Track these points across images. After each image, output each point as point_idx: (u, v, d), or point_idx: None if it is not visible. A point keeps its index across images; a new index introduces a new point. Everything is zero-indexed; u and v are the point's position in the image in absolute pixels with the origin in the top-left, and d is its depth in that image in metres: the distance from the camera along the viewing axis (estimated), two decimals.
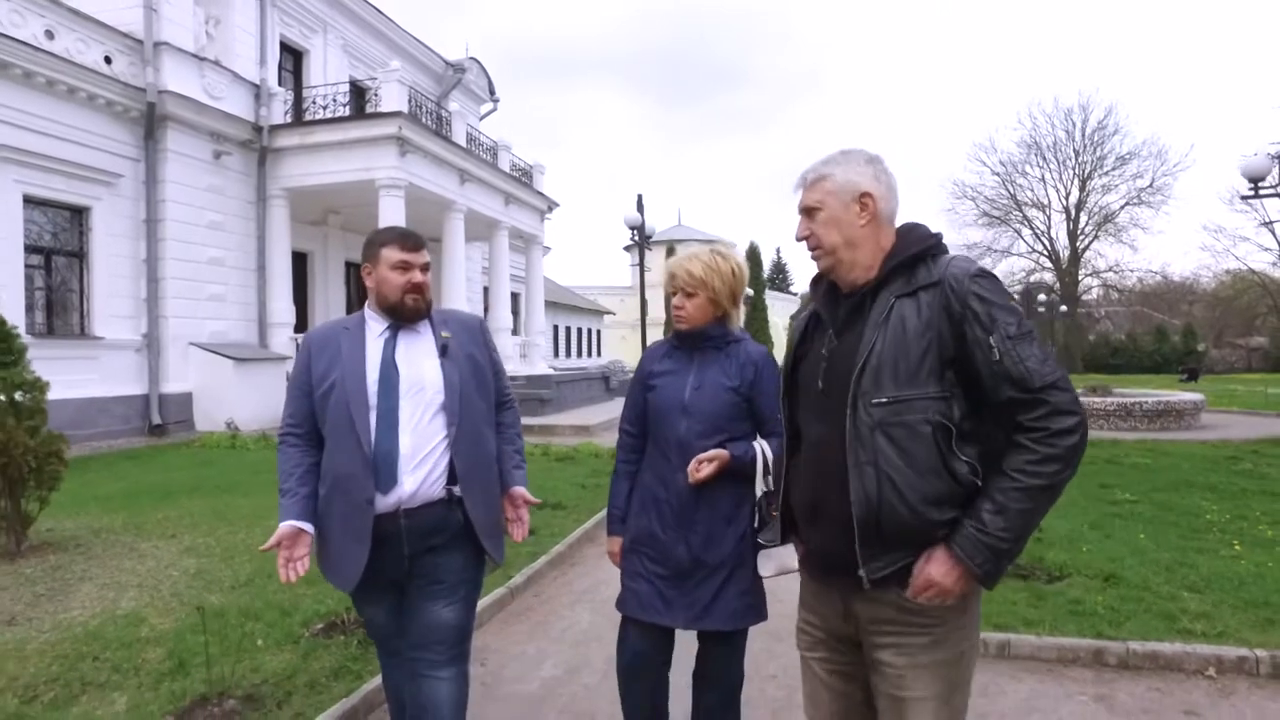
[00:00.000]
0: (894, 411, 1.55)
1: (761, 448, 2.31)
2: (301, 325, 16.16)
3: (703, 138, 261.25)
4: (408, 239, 2.27)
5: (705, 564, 2.28)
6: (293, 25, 16.82)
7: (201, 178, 13.66)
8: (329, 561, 2.23)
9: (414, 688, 2.24)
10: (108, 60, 12.19)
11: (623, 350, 45.91)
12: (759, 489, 2.28)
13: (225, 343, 13.81)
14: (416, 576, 2.22)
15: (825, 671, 1.78)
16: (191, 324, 13.43)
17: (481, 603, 4.28)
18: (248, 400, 13.22)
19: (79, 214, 12.03)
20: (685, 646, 2.49)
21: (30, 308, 11.16)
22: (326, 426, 2.20)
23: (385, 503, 2.13)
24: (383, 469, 2.12)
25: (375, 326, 2.27)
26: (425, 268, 2.27)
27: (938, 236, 1.71)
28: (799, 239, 1.77)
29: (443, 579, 2.22)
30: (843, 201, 1.69)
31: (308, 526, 2.16)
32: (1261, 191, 7.74)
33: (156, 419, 12.70)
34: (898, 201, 1.74)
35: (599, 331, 46.51)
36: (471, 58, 23.20)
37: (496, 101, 24.70)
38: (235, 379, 13.30)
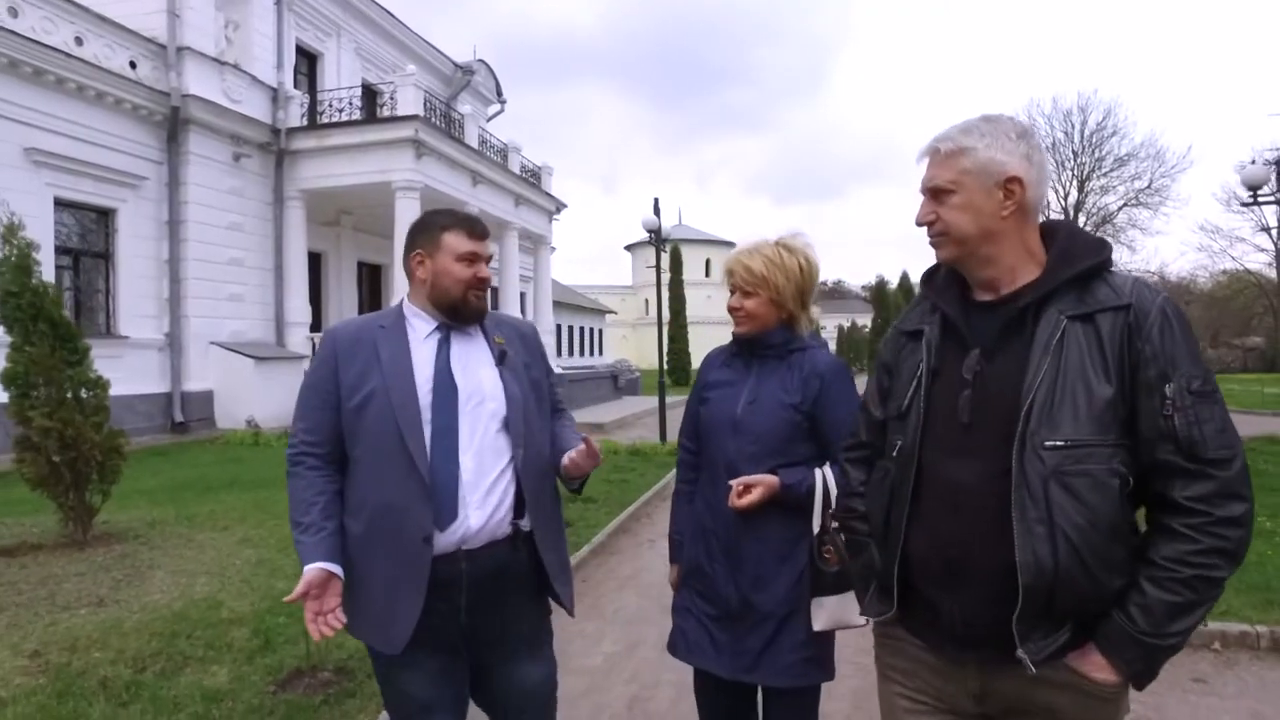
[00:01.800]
0: (1074, 458, 1.27)
1: (824, 476, 1.99)
2: (316, 325, 16.42)
3: (698, 136, 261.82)
4: (475, 226, 1.95)
5: (756, 609, 1.99)
6: (308, 29, 17.08)
7: (222, 180, 13.93)
8: (365, 617, 1.82)
9: None
10: (133, 65, 12.46)
11: (624, 350, 46.25)
12: (816, 524, 1.97)
13: (244, 342, 14.08)
14: (483, 633, 1.87)
15: None
16: (212, 323, 13.69)
17: None
18: (268, 398, 13.49)
19: (105, 216, 12.30)
20: None
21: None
22: (360, 446, 1.83)
23: (445, 541, 1.77)
24: (443, 499, 1.77)
25: (420, 326, 1.92)
26: (489, 261, 1.98)
27: (1110, 247, 1.42)
28: (920, 222, 1.46)
29: (517, 631, 1.90)
30: (984, 185, 1.37)
31: (337, 570, 1.77)
32: (1260, 198, 8.08)
33: (179, 416, 12.97)
34: (1047, 187, 1.46)
35: (601, 331, 46.85)
36: (480, 60, 23.47)
37: (504, 103, 24.98)
38: (255, 377, 13.57)
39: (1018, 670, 1.31)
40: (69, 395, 5.42)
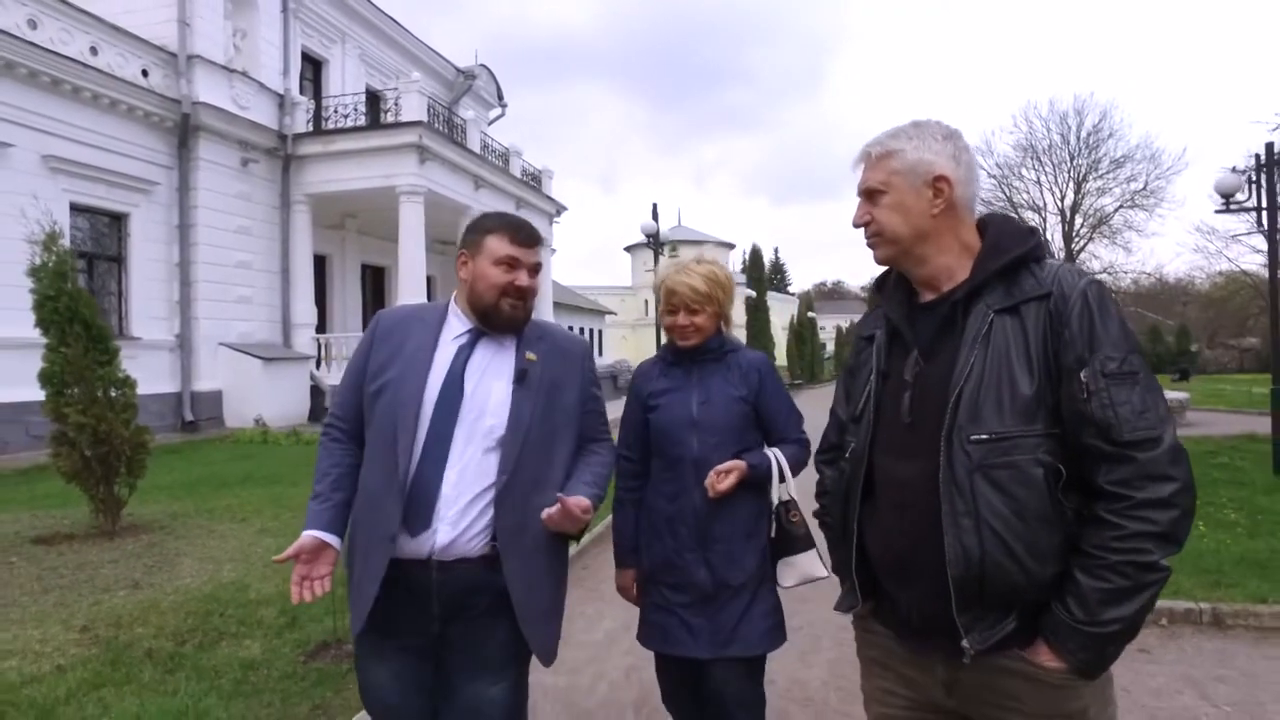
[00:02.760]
0: (998, 450, 1.29)
1: (775, 455, 2.25)
2: (322, 326, 16.78)
3: (696, 136, 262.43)
4: (521, 231, 1.89)
5: (728, 585, 2.19)
6: (313, 36, 17.43)
7: (230, 185, 14.27)
8: (351, 588, 1.84)
9: None
10: (145, 73, 12.80)
11: (623, 350, 46.57)
12: (774, 499, 2.23)
13: (252, 343, 14.41)
14: (456, 650, 1.82)
15: None
16: (220, 325, 14.03)
17: None
18: (275, 398, 13.84)
19: (118, 220, 12.64)
20: None
21: None
22: (370, 430, 1.85)
23: (412, 547, 1.75)
24: (417, 506, 1.74)
25: (455, 325, 1.90)
26: (536, 269, 1.91)
27: (1037, 237, 1.42)
28: (857, 224, 1.50)
29: (489, 653, 1.82)
30: (912, 185, 1.41)
31: (333, 540, 1.79)
32: (1232, 206, 8.40)
33: (189, 415, 13.31)
34: (978, 186, 1.49)
35: (601, 331, 47.16)
36: (481, 64, 23.81)
37: (505, 106, 25.31)
38: (263, 378, 13.91)
39: (980, 660, 1.32)
40: (100, 394, 5.75)
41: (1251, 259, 48.86)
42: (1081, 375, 1.28)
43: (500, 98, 25.24)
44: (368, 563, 1.76)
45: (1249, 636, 3.96)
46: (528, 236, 1.89)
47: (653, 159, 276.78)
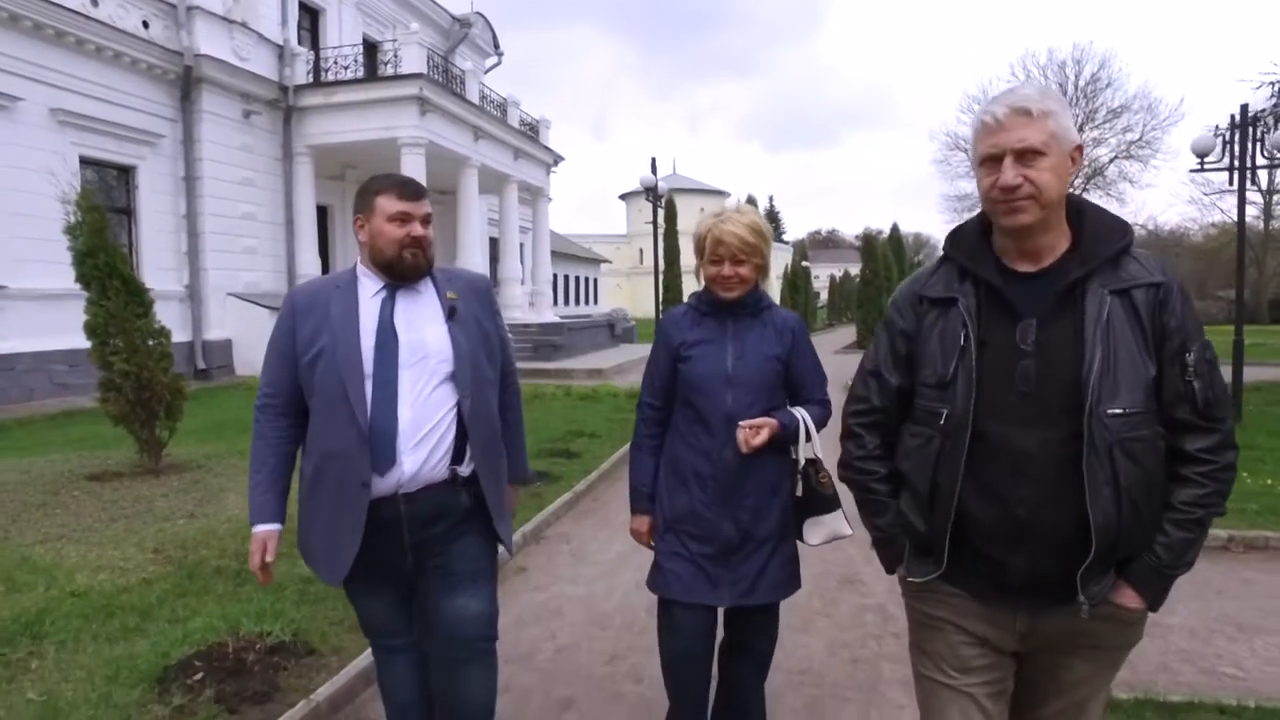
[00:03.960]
0: (1130, 424, 1.39)
1: (802, 415, 2.24)
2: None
3: (689, 80, 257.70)
4: (406, 187, 2.03)
5: (753, 538, 2.21)
6: None
7: (233, 136, 14.43)
8: (313, 550, 2.03)
9: (442, 682, 2.11)
10: (145, 24, 12.85)
11: (618, 298, 46.88)
12: (800, 458, 2.23)
13: (259, 293, 14.76)
14: (428, 569, 2.03)
15: (988, 697, 1.57)
16: (228, 275, 14.35)
17: (555, 503, 5.46)
18: None
19: (126, 173, 12.85)
20: None
21: None
22: (314, 398, 1.98)
23: (382, 485, 1.92)
24: (380, 447, 1.91)
25: (369, 285, 2.04)
26: (427, 219, 2.04)
27: (1131, 227, 1.52)
28: (1007, 186, 1.41)
29: (458, 568, 2.03)
30: (1063, 150, 1.42)
31: (278, 528, 2.04)
32: (1207, 166, 8.74)
33: (201, 364, 13.73)
34: None
35: (595, 280, 47.39)
36: (477, 12, 23.59)
37: (501, 55, 25.15)
38: (270, 326, 14.21)
39: (1068, 610, 1.45)
40: (140, 343, 6.18)
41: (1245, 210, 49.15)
42: (1188, 359, 1.41)
43: (496, 46, 25.06)
44: (341, 516, 1.92)
45: None
46: (414, 191, 2.03)
47: (645, 104, 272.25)
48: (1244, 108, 8.59)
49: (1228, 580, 4.13)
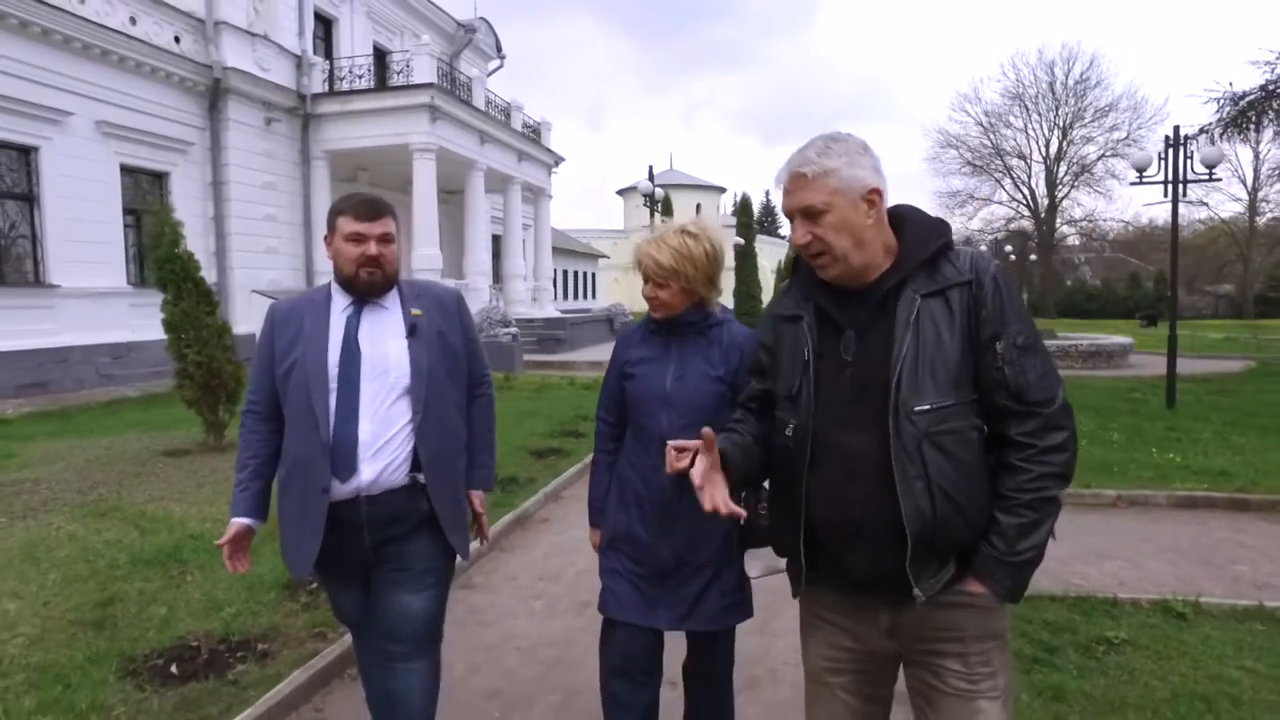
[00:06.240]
0: (938, 418, 1.46)
1: None
2: None
3: (685, 72, 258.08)
4: (362, 208, 2.11)
5: (689, 563, 2.15)
6: None
7: (256, 143, 15.40)
8: (285, 546, 2.14)
9: (381, 677, 2.22)
10: (177, 40, 13.81)
11: (616, 293, 47.75)
12: None
13: (280, 289, 15.73)
14: (382, 565, 2.14)
15: (852, 695, 1.66)
16: (252, 274, 15.33)
17: (568, 471, 6.49)
18: None
19: (159, 179, 13.83)
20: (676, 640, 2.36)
21: (127, 261, 13.07)
22: (287, 407, 2.10)
23: (343, 490, 2.03)
24: (341, 456, 2.02)
25: (340, 301, 2.14)
26: (384, 238, 2.10)
27: (949, 227, 1.59)
28: (799, 244, 1.55)
29: (408, 567, 2.14)
30: (850, 201, 1.50)
31: (255, 523, 2.16)
32: (1145, 180, 9.76)
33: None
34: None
35: (594, 275, 48.27)
36: (481, 17, 24.51)
37: (503, 58, 26.09)
38: None
39: (918, 603, 1.50)
40: (208, 337, 7.18)
41: (1230, 207, 50.20)
42: (997, 347, 1.46)
43: (499, 50, 26.00)
44: (305, 518, 2.04)
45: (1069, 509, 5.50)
46: (369, 211, 2.10)
47: (640, 97, 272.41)
48: (1176, 129, 9.63)
49: (1105, 526, 5.16)
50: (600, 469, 2.37)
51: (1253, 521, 5.37)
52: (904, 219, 1.59)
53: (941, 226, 1.58)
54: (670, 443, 1.95)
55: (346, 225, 2.08)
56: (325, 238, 2.17)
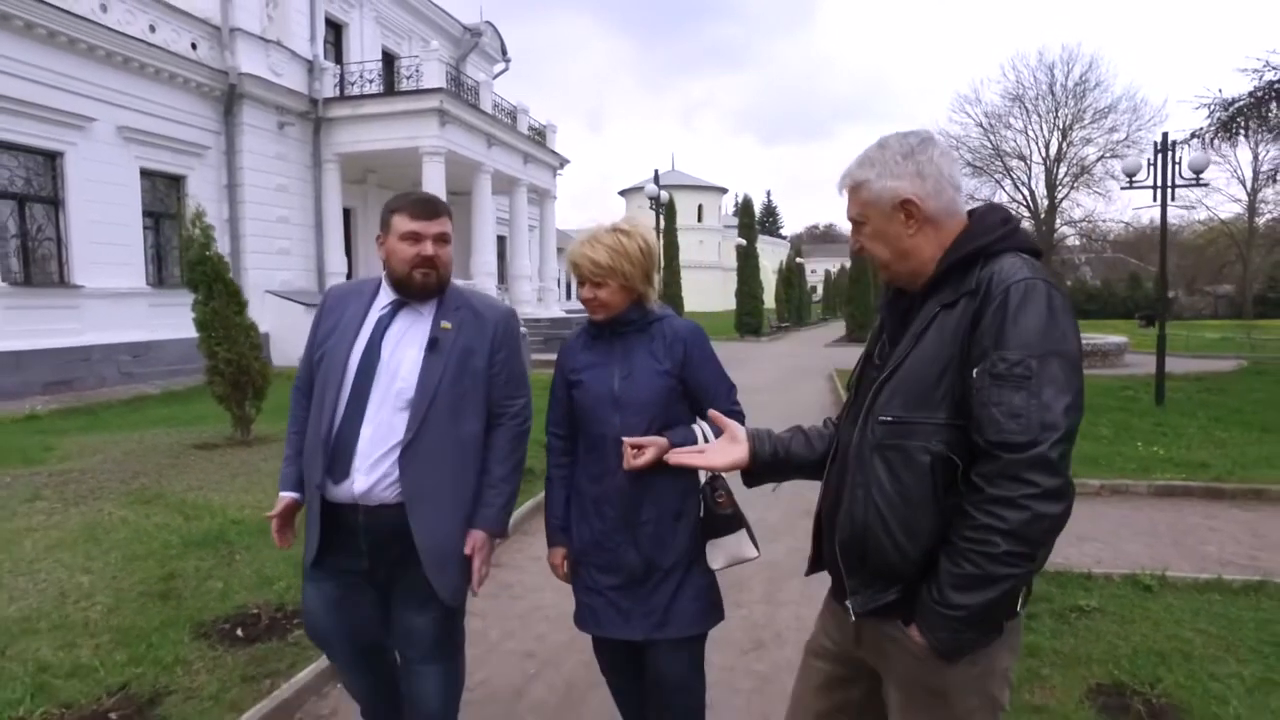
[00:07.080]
0: (895, 433, 1.37)
1: (702, 430, 2.10)
2: (351, 274, 18.46)
3: (684, 72, 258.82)
4: (419, 206, 2.04)
5: (659, 567, 2.12)
6: (335, 0, 18.62)
7: (269, 146, 15.76)
8: (307, 529, 2.10)
9: (404, 677, 2.22)
10: (193, 46, 14.17)
11: None
12: (702, 476, 2.09)
13: (293, 290, 16.10)
14: (390, 584, 2.10)
15: (823, 679, 1.64)
16: (265, 274, 15.68)
17: None
18: None
19: (176, 181, 14.19)
20: None
21: (146, 263, 13.44)
22: (315, 392, 2.08)
23: (337, 493, 1.99)
24: (337, 458, 1.98)
25: (382, 298, 2.11)
26: (441, 238, 2.03)
27: (1005, 230, 1.42)
28: (854, 253, 1.60)
29: (415, 587, 2.06)
30: (883, 213, 1.44)
31: (301, 498, 2.11)
32: (1135, 184, 10.09)
33: None
34: (954, 186, 1.45)
35: None
36: (487, 21, 24.88)
37: (509, 61, 26.45)
38: (305, 321, 15.21)
39: (868, 621, 1.44)
40: (237, 336, 7.52)
41: (1230, 208, 50.51)
42: (974, 373, 1.30)
43: (504, 52, 26.36)
44: (310, 508, 2.05)
45: None
46: (427, 210, 2.04)
47: (640, 97, 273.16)
48: (1165, 135, 9.96)
49: (1088, 513, 5.48)
50: (555, 485, 2.31)
51: (1226, 509, 5.72)
52: (971, 218, 1.48)
53: (994, 227, 1.43)
54: (625, 439, 1.96)
55: (402, 224, 2.02)
56: (379, 237, 2.10)
